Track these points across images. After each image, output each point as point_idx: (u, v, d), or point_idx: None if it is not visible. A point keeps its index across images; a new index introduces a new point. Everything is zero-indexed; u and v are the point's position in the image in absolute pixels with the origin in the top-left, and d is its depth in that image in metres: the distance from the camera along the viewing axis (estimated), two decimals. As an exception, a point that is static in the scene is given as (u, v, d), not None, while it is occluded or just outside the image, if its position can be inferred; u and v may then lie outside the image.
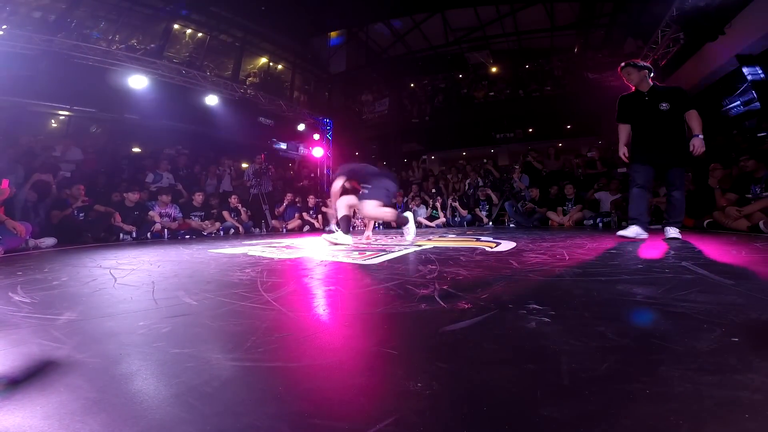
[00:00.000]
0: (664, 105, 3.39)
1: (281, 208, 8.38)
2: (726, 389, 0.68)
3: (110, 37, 8.13)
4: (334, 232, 4.15)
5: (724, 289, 1.42)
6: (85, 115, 9.06)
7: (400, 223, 4.17)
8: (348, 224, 4.20)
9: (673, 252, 2.55)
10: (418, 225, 8.39)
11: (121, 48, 7.82)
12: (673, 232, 3.41)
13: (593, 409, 0.64)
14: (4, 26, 6.23)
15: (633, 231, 3.41)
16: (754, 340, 0.91)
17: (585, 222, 6.81)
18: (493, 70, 12.85)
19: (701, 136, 3.25)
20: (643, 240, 3.35)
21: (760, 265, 1.99)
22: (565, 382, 0.74)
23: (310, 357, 0.93)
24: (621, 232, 3.48)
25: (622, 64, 3.62)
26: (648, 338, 0.98)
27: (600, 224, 6.34)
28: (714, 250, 2.64)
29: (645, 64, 3.58)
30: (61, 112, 8.83)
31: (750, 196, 4.55)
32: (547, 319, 1.12)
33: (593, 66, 10.73)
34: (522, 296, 1.41)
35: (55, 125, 8.99)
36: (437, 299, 1.41)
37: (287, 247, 3.92)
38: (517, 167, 8.80)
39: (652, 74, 3.54)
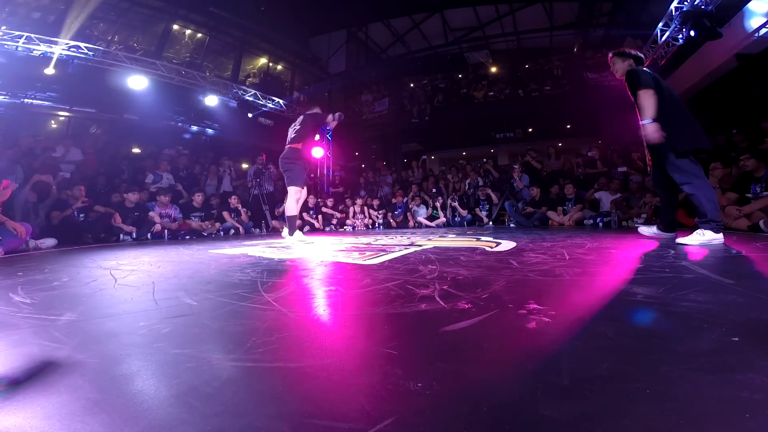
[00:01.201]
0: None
1: (281, 209, 8.38)
2: (726, 389, 0.68)
3: (109, 38, 8.14)
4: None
5: (725, 289, 1.42)
6: (84, 115, 9.07)
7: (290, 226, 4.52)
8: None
9: (672, 252, 2.55)
10: (419, 225, 8.40)
11: (120, 48, 7.82)
12: (700, 235, 2.87)
13: (593, 409, 0.64)
14: (3, 27, 6.23)
15: (651, 230, 3.50)
16: (755, 340, 0.91)
17: (585, 222, 6.82)
18: (493, 69, 12.85)
19: (648, 121, 2.83)
20: (656, 239, 3.16)
21: (761, 265, 1.99)
22: (566, 382, 0.74)
23: (310, 357, 0.93)
24: (642, 229, 3.63)
25: (610, 54, 3.26)
26: (648, 338, 0.98)
27: (600, 224, 6.35)
28: (714, 249, 2.63)
29: (632, 52, 3.21)
30: (60, 113, 8.83)
31: (750, 195, 4.55)
32: (547, 319, 1.12)
33: (592, 66, 10.76)
34: (522, 296, 1.41)
35: (55, 126, 8.99)
36: (437, 299, 1.41)
37: (287, 247, 3.92)
38: (516, 167, 8.79)
39: (642, 65, 3.19)
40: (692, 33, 6.06)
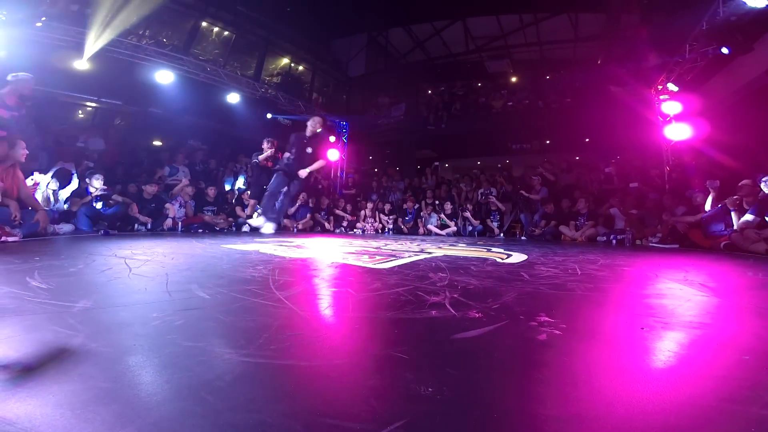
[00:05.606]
0: None
1: (294, 209, 8.44)
2: (736, 404, 0.66)
3: (140, 32, 8.32)
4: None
5: (740, 310, 1.39)
6: (111, 107, 9.31)
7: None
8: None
9: (684, 273, 2.49)
10: (428, 233, 8.35)
11: (150, 43, 7.99)
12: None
13: (603, 419, 0.63)
14: (43, 18, 6.45)
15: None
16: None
17: (598, 239, 6.68)
18: (513, 79, 12.76)
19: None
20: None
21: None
22: (576, 393, 0.73)
23: (321, 357, 0.93)
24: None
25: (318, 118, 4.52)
26: (656, 353, 0.96)
27: (614, 241, 6.22)
28: (718, 270, 2.57)
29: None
30: (88, 104, 9.08)
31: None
32: (557, 332, 1.11)
33: (616, 79, 10.58)
34: (533, 308, 1.40)
35: (82, 116, 9.24)
36: (448, 307, 1.40)
37: (298, 246, 3.94)
38: (536, 178, 8.65)
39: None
40: (724, 50, 5.92)
